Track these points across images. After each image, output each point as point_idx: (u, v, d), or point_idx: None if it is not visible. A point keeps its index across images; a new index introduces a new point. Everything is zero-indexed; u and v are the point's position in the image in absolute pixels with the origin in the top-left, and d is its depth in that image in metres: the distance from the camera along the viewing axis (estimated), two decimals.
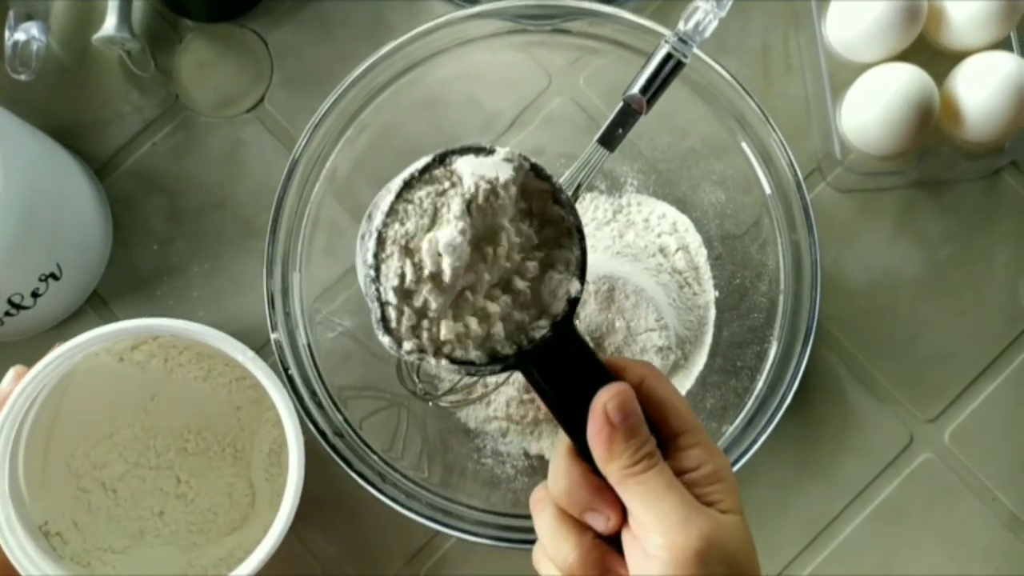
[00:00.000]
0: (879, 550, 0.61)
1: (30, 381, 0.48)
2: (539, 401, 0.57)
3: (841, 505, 0.61)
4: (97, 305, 0.62)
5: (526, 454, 0.59)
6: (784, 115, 0.55)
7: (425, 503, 0.53)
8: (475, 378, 0.56)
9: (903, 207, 0.63)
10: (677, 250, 0.60)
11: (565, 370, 0.40)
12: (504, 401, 0.58)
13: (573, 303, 0.40)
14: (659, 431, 0.39)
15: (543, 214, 0.41)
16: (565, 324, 0.40)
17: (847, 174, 0.61)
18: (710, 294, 0.60)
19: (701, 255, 0.60)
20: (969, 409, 0.62)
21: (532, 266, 0.40)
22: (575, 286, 0.40)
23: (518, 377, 0.57)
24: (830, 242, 0.62)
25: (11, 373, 0.50)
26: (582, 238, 0.41)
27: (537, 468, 0.59)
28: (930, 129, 0.58)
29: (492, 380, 0.57)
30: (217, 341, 0.50)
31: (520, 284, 0.39)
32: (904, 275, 0.63)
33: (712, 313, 0.60)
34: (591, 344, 0.41)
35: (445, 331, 0.37)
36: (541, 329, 0.40)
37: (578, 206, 0.56)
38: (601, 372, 0.40)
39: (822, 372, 0.61)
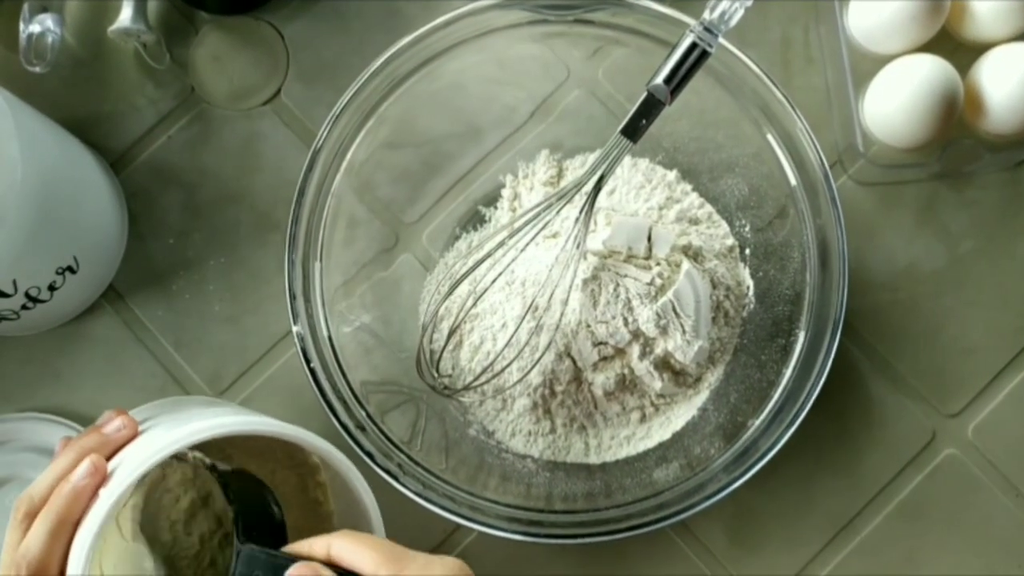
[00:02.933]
0: (902, 546, 0.60)
1: (121, 493, 0.43)
2: (556, 414, 0.57)
3: (863, 501, 0.60)
4: (113, 299, 0.61)
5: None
6: (805, 108, 0.55)
7: (445, 495, 0.52)
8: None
9: (925, 200, 0.63)
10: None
11: None
12: (518, 411, 0.58)
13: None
14: None
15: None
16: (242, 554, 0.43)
17: (869, 167, 0.61)
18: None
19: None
20: (992, 404, 0.61)
21: None
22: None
23: (532, 387, 0.57)
24: (851, 235, 0.61)
25: (87, 465, 0.43)
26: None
27: (559, 465, 0.58)
28: (954, 121, 0.57)
29: (511, 378, 0.56)
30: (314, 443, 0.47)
31: None
32: (926, 268, 0.62)
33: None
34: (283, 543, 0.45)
35: None
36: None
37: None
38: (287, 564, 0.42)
39: (843, 366, 0.61)
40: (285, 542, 0.45)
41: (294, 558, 0.42)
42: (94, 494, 0.43)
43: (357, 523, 0.49)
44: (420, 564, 0.41)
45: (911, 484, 0.60)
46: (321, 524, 0.53)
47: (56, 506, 0.42)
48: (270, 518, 0.47)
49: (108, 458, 0.45)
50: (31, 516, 0.43)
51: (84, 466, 0.43)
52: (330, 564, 0.41)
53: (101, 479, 0.43)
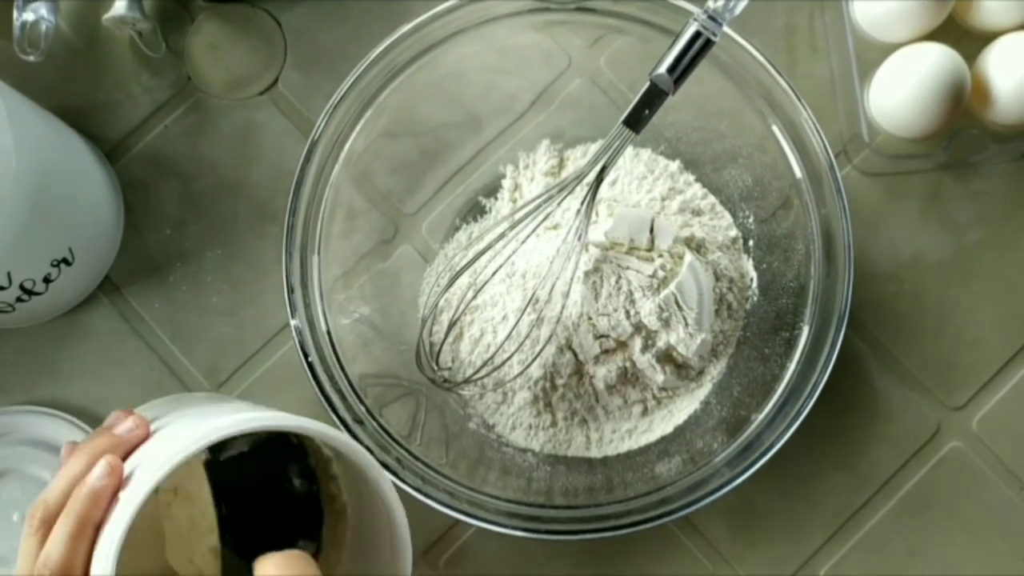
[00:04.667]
0: (906, 540, 0.60)
1: (146, 492, 0.41)
2: (557, 407, 0.57)
3: (867, 495, 0.60)
4: (109, 291, 0.61)
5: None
6: (809, 97, 0.55)
7: (444, 490, 0.52)
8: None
9: (931, 191, 0.62)
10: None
11: None
12: (518, 404, 0.57)
13: None
14: None
15: None
16: None
17: (874, 157, 0.60)
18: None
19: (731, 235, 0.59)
20: (997, 396, 0.61)
21: None
22: None
23: (533, 380, 0.56)
24: (856, 227, 0.59)
25: (103, 466, 0.42)
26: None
27: (559, 459, 0.58)
28: (961, 110, 0.56)
29: (511, 371, 0.56)
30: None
31: None
32: (931, 260, 0.62)
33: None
34: None
35: None
36: None
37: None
38: None
39: (847, 359, 0.60)
40: (319, 512, 0.43)
41: None
42: (113, 495, 0.41)
43: (373, 515, 0.47)
44: None
45: (915, 477, 0.60)
46: (336, 518, 0.52)
47: (75, 509, 0.41)
48: (288, 494, 0.45)
49: (122, 459, 0.43)
50: (47, 523, 0.41)
51: (101, 467, 0.42)
52: None
53: (119, 480, 0.42)
